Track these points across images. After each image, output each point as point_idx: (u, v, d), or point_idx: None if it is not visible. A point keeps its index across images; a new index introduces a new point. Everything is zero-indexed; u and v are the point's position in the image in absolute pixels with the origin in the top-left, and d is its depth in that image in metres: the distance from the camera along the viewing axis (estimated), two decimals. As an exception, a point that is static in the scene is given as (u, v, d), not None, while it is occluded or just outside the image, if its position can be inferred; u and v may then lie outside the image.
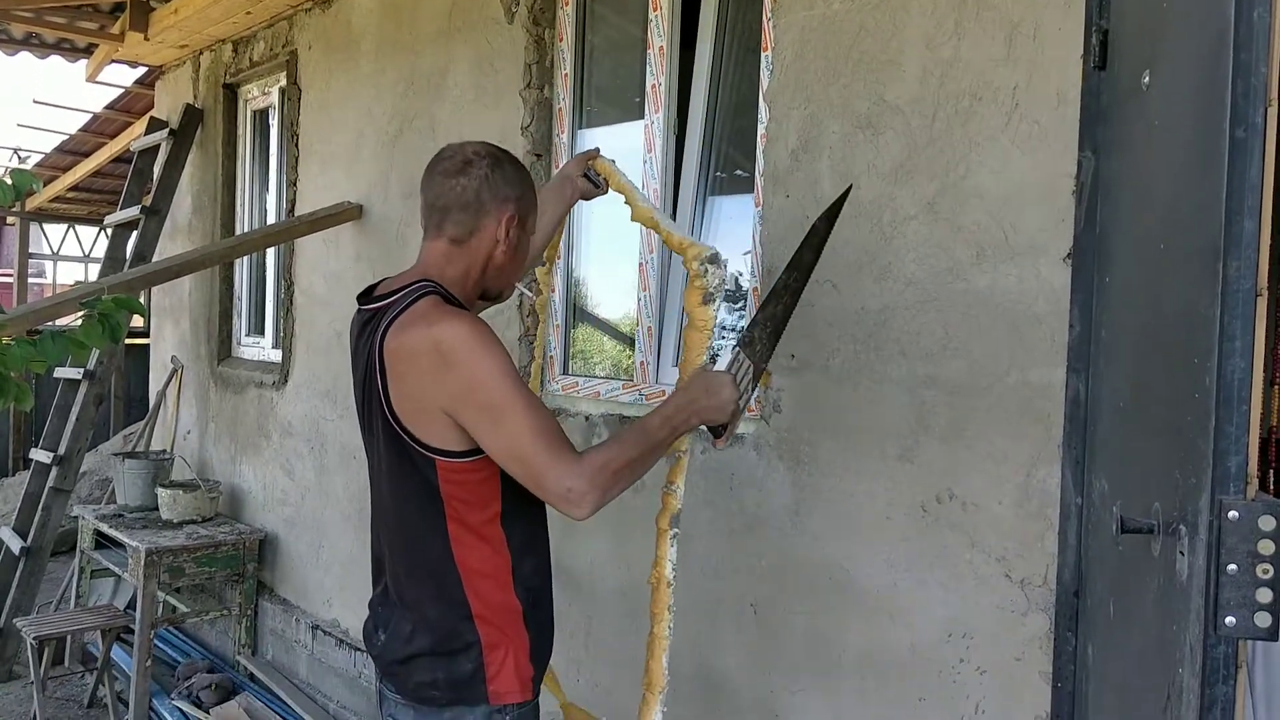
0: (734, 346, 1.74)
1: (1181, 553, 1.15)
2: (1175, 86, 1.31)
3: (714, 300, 1.58)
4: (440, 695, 1.55)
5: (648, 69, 2.83)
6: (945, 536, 2.05)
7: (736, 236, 2.66)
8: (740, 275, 2.71)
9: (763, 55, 2.42)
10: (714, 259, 1.58)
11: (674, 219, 2.80)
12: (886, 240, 2.14)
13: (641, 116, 2.85)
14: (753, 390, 1.77)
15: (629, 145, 2.85)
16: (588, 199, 2.12)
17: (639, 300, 2.84)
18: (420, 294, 1.54)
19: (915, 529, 2.10)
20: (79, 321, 2.35)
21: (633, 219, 1.84)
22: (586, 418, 2.88)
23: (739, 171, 2.79)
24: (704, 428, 1.66)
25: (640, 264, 2.83)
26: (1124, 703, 1.47)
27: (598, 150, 2.08)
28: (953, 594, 2.04)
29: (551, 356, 3.09)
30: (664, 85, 2.80)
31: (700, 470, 2.54)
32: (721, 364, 1.73)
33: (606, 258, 3.13)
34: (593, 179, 2.07)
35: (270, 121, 4.88)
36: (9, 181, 2.49)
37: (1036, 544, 1.89)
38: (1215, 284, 1.08)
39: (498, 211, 1.60)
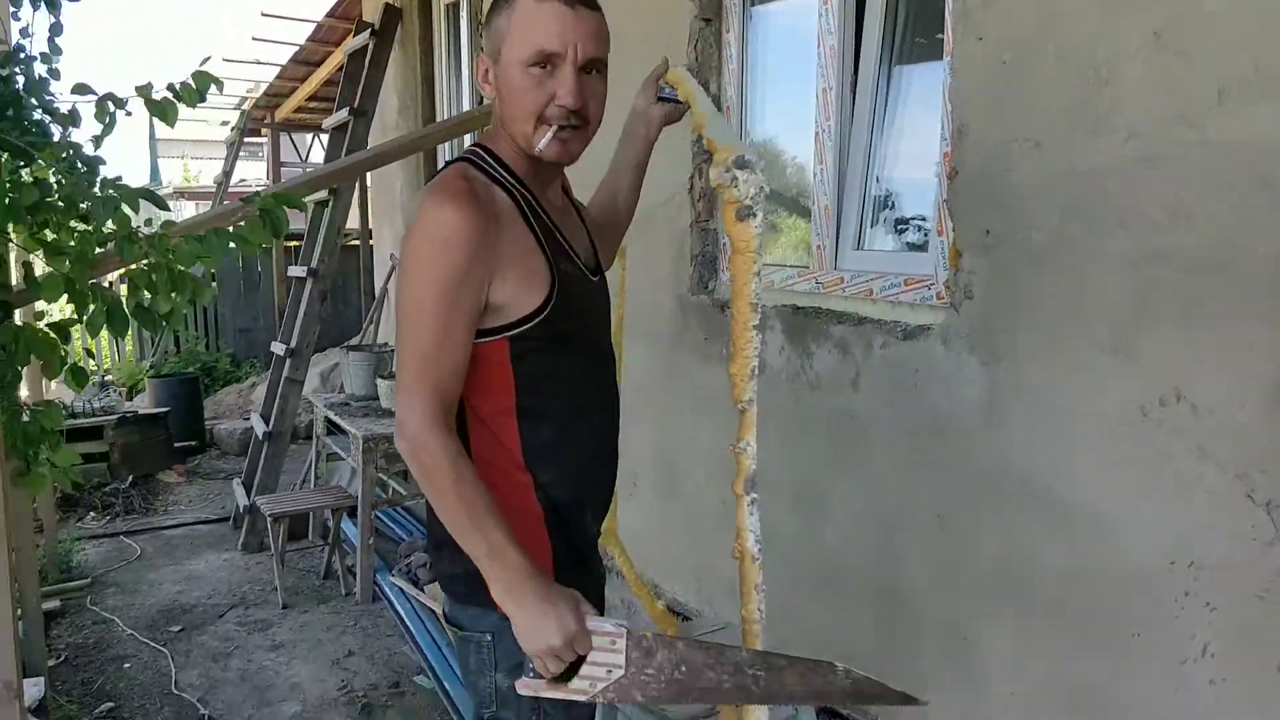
0: (635, 630, 1.26)
1: None
2: None
3: (753, 214, 1.25)
4: (461, 590, 1.43)
5: (825, -94, 2.46)
6: (1170, 445, 1.70)
7: (926, 107, 2.30)
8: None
9: None
10: (741, 162, 1.24)
11: (855, 88, 2.46)
12: (1101, 84, 1.74)
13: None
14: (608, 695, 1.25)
15: (804, 26, 2.53)
16: (673, 122, 1.68)
17: (814, 175, 2.54)
18: (455, 160, 1.42)
19: (1132, 435, 1.76)
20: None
21: (693, 129, 1.55)
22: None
23: (938, 35, 2.40)
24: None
25: (815, 134, 2.52)
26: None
27: (666, 61, 1.67)
28: (1177, 514, 1.70)
29: (724, 244, 2.87)
30: (843, -76, 2.43)
31: (880, 365, 2.27)
32: (607, 624, 1.25)
33: (780, 129, 2.83)
34: (671, 98, 1.64)
35: (461, 15, 4.83)
36: (192, 84, 2.54)
37: (1289, 458, 1.52)
38: None
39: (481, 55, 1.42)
